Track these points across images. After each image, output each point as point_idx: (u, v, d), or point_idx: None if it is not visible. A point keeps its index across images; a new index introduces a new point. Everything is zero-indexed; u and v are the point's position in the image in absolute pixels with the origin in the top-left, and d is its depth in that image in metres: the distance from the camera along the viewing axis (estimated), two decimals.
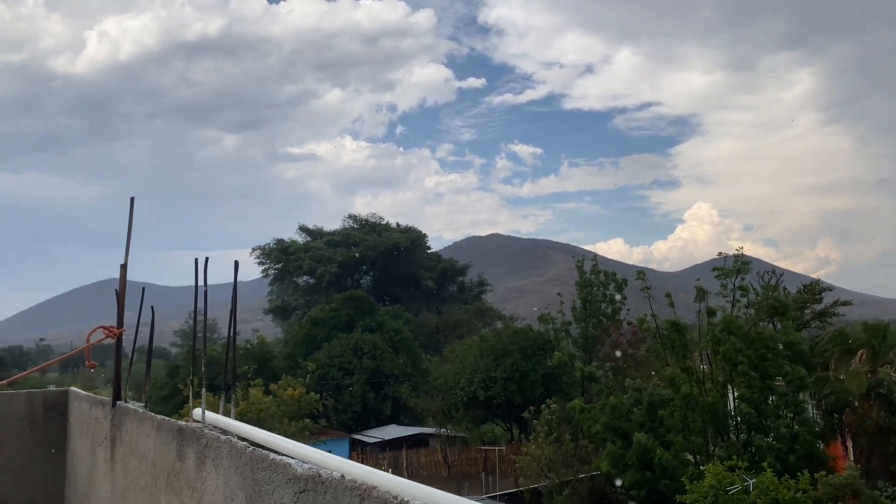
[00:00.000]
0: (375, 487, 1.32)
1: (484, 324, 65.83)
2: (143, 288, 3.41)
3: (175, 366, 41.31)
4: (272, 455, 1.75)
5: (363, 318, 51.01)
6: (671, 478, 18.02)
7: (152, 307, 3.40)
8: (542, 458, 24.63)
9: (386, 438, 37.29)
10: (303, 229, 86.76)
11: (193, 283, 3.49)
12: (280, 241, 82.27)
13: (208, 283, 3.73)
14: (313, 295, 77.60)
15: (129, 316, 3.68)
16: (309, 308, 70.21)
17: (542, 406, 28.03)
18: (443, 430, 36.89)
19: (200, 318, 2.96)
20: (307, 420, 29.25)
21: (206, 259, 2.74)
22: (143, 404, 3.36)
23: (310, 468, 1.57)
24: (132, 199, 3.65)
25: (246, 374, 30.20)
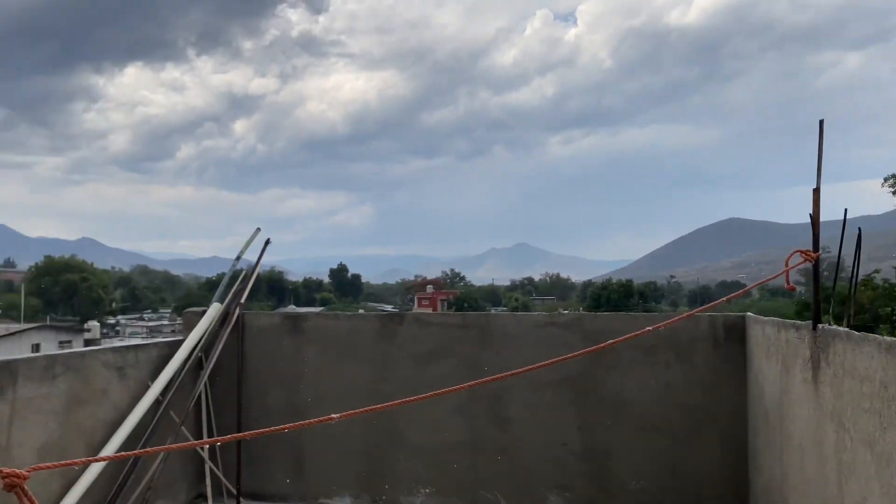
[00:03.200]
0: None
1: None
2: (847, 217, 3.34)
3: (805, 302, 39.75)
4: None
5: None
6: None
7: (859, 228, 3.31)
8: None
9: None
10: None
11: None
12: None
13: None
14: None
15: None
16: None
17: None
18: None
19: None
20: None
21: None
22: (845, 327, 3.30)
23: None
24: (821, 122, 3.57)
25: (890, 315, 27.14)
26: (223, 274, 6.75)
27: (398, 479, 5.95)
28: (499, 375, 3.36)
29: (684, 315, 4.33)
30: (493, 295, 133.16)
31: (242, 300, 6.38)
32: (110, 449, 5.01)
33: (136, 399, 5.38)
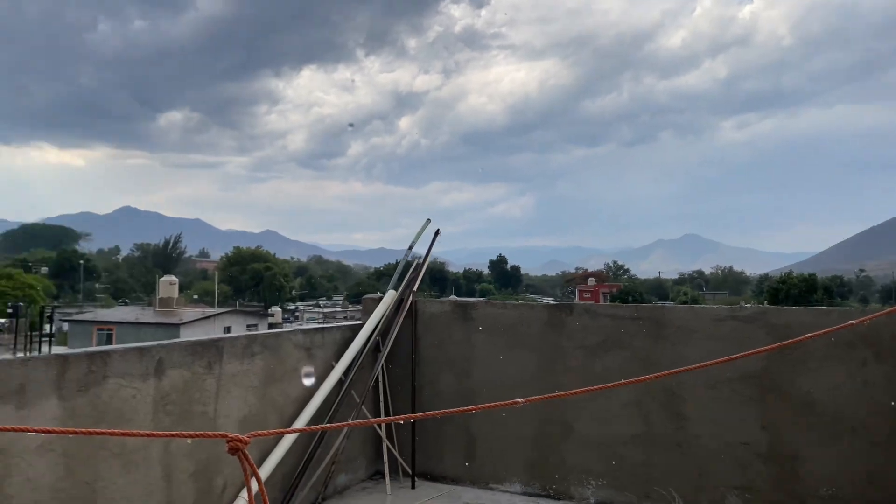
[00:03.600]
0: None
1: None
2: None
3: None
4: None
5: None
6: None
7: None
8: None
9: None
10: None
11: None
12: None
13: None
14: None
15: None
16: None
17: None
18: None
19: None
20: None
21: None
22: None
23: None
24: None
25: None
26: (390, 264, 7.08)
27: (569, 470, 5.94)
28: (679, 369, 3.25)
29: (889, 310, 3.96)
30: (659, 288, 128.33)
31: (415, 288, 6.63)
32: (300, 423, 5.41)
33: (322, 378, 5.77)
